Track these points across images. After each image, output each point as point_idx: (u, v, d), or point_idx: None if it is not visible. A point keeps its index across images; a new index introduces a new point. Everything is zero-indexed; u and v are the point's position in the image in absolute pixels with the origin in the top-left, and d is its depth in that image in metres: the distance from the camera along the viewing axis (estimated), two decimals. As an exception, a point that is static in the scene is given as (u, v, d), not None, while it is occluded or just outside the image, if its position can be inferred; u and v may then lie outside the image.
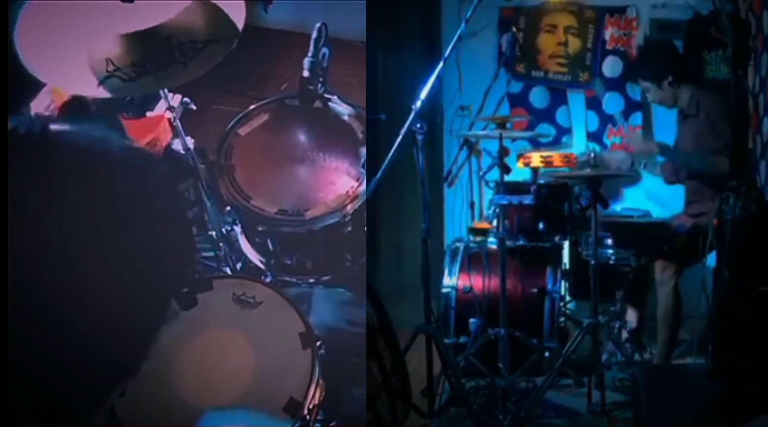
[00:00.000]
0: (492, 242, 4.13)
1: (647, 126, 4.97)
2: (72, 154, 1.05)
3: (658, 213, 4.41)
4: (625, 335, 4.12)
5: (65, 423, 1.05)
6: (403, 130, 3.24)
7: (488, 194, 4.41)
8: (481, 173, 4.44)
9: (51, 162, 1.02)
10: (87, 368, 1.03)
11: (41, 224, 0.97)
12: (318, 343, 2.59)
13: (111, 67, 2.45)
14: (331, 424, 2.75)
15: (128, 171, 1.10)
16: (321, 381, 2.57)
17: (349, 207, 2.92)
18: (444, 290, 4.14)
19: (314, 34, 2.92)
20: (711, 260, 3.75)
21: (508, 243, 3.87)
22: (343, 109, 3.18)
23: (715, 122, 4.04)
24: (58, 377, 1.01)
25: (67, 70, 2.46)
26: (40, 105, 3.17)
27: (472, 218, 4.59)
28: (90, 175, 1.03)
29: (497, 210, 3.92)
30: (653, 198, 4.71)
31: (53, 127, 1.06)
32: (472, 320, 3.98)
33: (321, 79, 2.98)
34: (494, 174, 3.97)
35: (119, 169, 1.08)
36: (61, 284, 0.97)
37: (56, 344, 0.98)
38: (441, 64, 3.35)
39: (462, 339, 4.01)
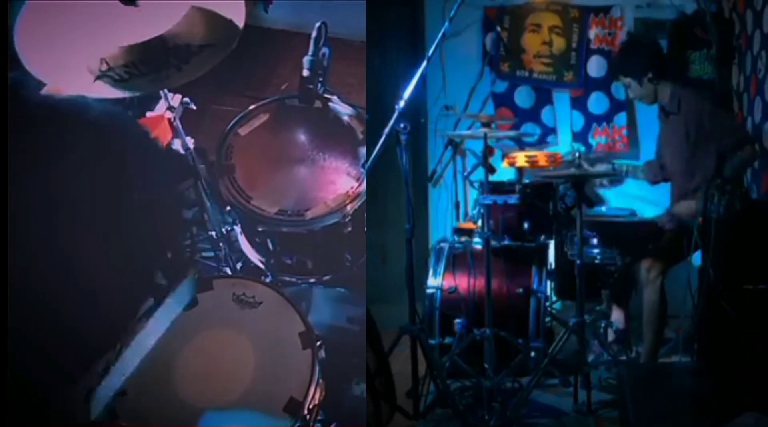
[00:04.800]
0: (477, 242, 4.14)
1: (631, 126, 5.01)
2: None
3: (643, 212, 4.43)
4: (611, 334, 4.13)
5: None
6: (386, 130, 3.23)
7: (473, 194, 4.42)
8: (465, 173, 4.42)
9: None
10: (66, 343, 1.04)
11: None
12: (318, 343, 2.60)
13: (105, 67, 2.45)
14: (331, 424, 2.75)
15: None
16: (321, 381, 2.58)
17: (349, 207, 2.92)
18: (429, 291, 4.13)
19: (314, 33, 2.91)
20: (696, 258, 3.78)
21: (494, 243, 3.87)
22: (343, 109, 3.18)
23: (698, 119, 4.07)
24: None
25: (66, 69, 2.44)
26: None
27: (457, 218, 4.59)
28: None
29: (482, 210, 3.88)
30: (639, 197, 4.73)
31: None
32: (457, 320, 3.97)
33: (321, 79, 2.98)
34: (479, 174, 3.95)
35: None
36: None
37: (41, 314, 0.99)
38: (425, 63, 3.32)
39: (447, 340, 4.01)
